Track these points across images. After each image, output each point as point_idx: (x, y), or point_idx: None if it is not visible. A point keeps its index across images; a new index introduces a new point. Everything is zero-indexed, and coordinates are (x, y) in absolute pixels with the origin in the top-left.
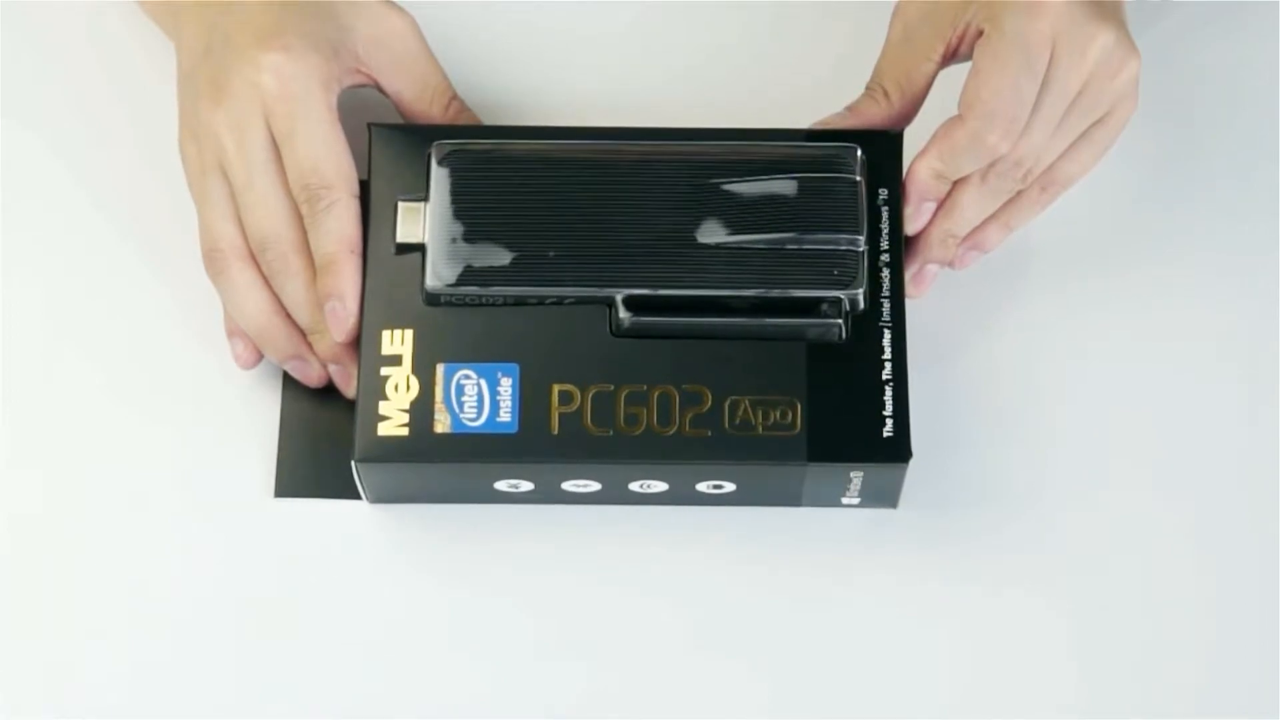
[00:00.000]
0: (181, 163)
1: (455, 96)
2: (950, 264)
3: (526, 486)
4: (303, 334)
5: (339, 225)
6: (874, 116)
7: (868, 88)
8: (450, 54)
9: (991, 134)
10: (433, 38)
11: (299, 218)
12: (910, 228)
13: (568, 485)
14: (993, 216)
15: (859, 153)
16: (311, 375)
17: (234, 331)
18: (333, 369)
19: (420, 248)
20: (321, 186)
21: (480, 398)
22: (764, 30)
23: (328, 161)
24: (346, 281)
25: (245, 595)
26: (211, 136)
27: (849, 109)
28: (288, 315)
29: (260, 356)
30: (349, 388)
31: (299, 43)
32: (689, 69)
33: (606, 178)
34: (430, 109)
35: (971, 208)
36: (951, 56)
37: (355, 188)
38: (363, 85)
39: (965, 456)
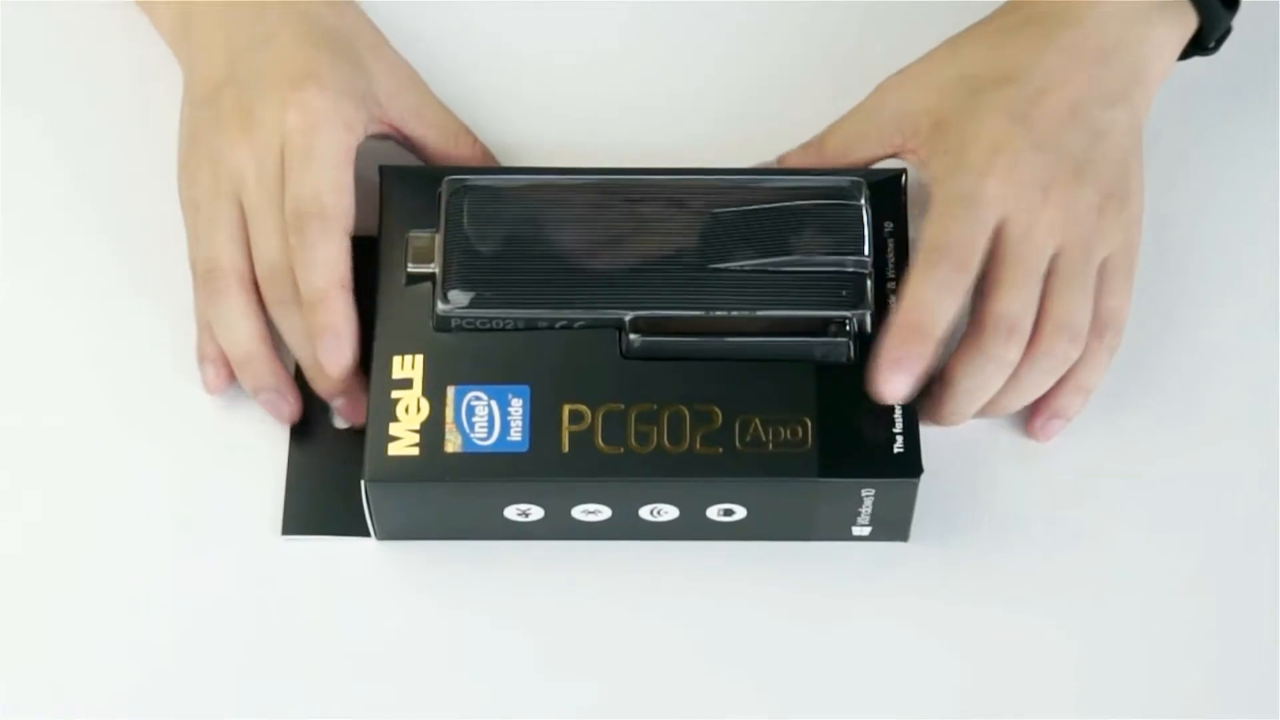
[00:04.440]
0: (186, 183)
1: (476, 137)
2: (1034, 438)
3: (536, 514)
4: (284, 369)
5: (329, 258)
6: (800, 167)
7: (810, 140)
8: (462, 103)
9: (944, 265)
10: (443, 87)
11: None
12: (885, 392)
13: (577, 512)
14: (1062, 380)
15: (864, 184)
16: (284, 411)
17: (206, 356)
18: (338, 402)
19: (431, 277)
20: (315, 214)
21: (491, 418)
22: (774, 82)
23: (329, 194)
24: (340, 317)
25: (252, 633)
26: (232, 166)
27: (779, 159)
28: (274, 347)
29: (229, 383)
30: (358, 416)
31: (332, 85)
32: (697, 119)
33: (615, 206)
34: (457, 149)
35: (972, 380)
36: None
37: (349, 227)
38: (384, 135)
39: (976, 490)
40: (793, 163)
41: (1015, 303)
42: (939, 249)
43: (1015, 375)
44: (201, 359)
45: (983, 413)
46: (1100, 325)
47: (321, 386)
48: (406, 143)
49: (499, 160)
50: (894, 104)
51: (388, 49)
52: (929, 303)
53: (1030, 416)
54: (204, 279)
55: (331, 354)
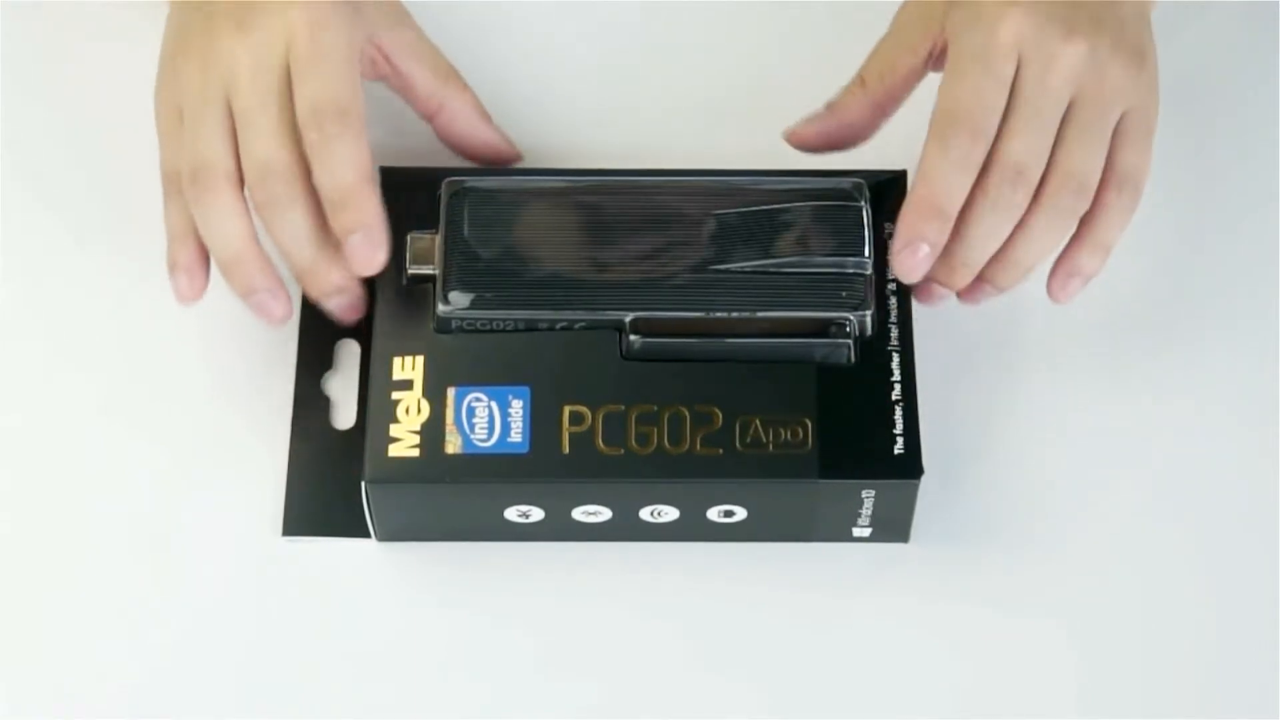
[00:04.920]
0: (169, 85)
1: (466, 83)
2: (1054, 298)
3: (537, 515)
4: (274, 269)
5: (354, 154)
6: (851, 108)
7: (851, 80)
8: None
9: (958, 136)
10: None
11: (304, 153)
12: (902, 269)
13: (578, 514)
14: (1079, 236)
15: (865, 185)
16: (276, 312)
17: (179, 265)
18: (337, 301)
19: (431, 278)
20: (334, 110)
21: (491, 419)
22: (777, 83)
23: (345, 92)
24: (371, 211)
25: (252, 633)
26: (224, 63)
27: (828, 105)
28: (263, 248)
29: (201, 293)
30: (358, 313)
31: None
32: (697, 120)
33: (615, 208)
34: (445, 88)
35: (978, 226)
36: (942, 56)
37: (364, 127)
38: (374, 66)
39: (977, 491)
40: (843, 103)
41: (1023, 147)
42: (952, 118)
43: (1024, 225)
44: (173, 268)
45: (996, 276)
46: (1119, 181)
47: (316, 286)
48: (396, 78)
49: (489, 114)
50: (913, 11)
51: None
52: (942, 178)
53: (1050, 275)
54: (190, 179)
55: (363, 251)
